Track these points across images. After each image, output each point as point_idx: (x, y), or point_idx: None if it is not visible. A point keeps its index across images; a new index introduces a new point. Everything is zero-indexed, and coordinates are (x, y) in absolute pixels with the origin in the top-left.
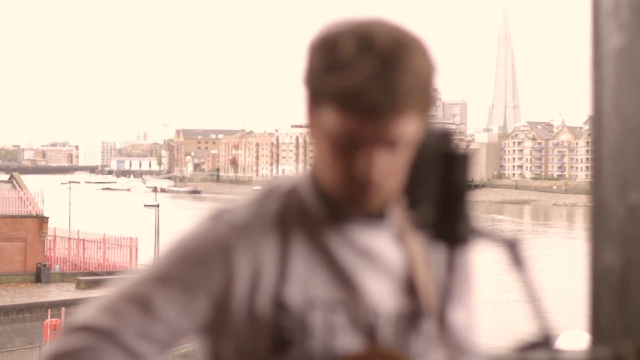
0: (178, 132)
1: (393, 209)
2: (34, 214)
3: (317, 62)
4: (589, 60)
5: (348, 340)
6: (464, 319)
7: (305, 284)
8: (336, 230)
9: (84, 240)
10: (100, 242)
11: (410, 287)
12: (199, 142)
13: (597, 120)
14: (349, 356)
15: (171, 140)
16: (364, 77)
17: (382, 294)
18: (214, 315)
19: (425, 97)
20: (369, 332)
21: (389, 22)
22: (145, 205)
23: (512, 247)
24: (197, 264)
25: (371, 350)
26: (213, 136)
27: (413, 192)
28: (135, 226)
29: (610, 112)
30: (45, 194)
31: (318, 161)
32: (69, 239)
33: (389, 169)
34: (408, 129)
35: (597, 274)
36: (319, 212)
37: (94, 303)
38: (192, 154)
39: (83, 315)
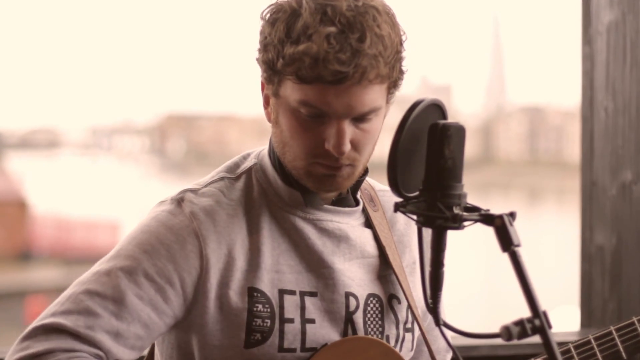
0: (163, 115)
1: (362, 193)
2: (16, 197)
3: (275, 35)
4: (580, 36)
5: (325, 327)
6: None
7: (277, 269)
8: (304, 215)
9: (70, 222)
10: (87, 224)
11: (383, 272)
12: (184, 125)
13: (588, 98)
14: (330, 344)
15: (157, 124)
16: (325, 47)
17: (355, 279)
18: (186, 309)
19: (391, 66)
20: (345, 317)
21: None
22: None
23: (503, 224)
24: (168, 257)
25: (351, 338)
26: (199, 119)
27: (401, 171)
28: (122, 206)
29: (601, 89)
30: (30, 175)
31: (280, 141)
32: (55, 221)
33: (358, 142)
34: (375, 100)
35: (588, 254)
36: (287, 195)
37: (63, 300)
38: (177, 135)
39: (53, 314)
